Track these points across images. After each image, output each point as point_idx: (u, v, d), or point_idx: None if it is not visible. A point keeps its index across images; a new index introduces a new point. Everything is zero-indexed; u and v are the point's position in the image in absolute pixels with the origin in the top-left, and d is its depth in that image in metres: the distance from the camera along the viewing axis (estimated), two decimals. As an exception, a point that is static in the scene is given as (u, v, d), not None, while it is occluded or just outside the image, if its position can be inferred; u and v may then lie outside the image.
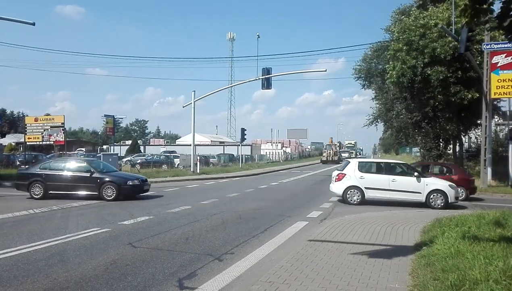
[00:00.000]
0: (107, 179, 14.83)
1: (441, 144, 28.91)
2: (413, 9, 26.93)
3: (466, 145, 33.57)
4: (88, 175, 14.88)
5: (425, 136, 27.51)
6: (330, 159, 59.00)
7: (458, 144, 29.11)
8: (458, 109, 24.86)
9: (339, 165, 52.74)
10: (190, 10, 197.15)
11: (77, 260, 6.57)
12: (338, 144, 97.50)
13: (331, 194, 17.00)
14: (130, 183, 14.95)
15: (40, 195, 14.74)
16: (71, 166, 15.42)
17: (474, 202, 15.67)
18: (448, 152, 30.19)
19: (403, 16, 26.69)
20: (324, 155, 61.77)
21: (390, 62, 24.28)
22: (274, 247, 7.61)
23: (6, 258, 6.65)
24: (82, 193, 14.89)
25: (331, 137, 68.75)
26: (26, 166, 23.08)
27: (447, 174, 16.41)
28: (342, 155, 72.24)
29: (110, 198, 14.41)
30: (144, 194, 15.60)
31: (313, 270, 5.78)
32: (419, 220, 9.98)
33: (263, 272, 5.75)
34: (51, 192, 14.92)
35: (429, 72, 22.63)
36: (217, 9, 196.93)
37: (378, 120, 35.98)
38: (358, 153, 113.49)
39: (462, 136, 29.58)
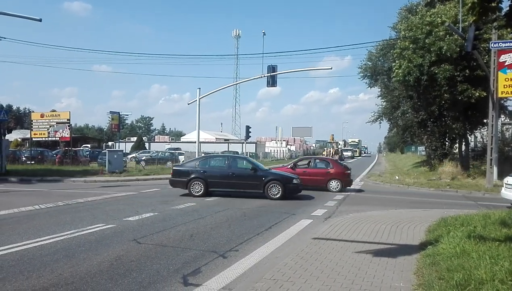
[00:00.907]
0: (271, 177, 14.38)
1: (446, 143, 28.77)
2: (420, 7, 26.73)
3: (472, 144, 33.36)
4: (252, 173, 14.50)
5: (430, 135, 27.38)
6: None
7: (464, 143, 28.93)
8: (464, 108, 24.70)
9: None
10: (196, 7, 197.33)
11: (82, 255, 6.61)
12: (342, 142, 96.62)
13: (335, 192, 17.01)
14: (295, 181, 14.53)
15: (200, 193, 14.42)
16: (233, 163, 15.13)
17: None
18: (454, 151, 30.04)
19: (409, 14, 26.54)
20: (323, 153, 57.82)
21: (396, 61, 24.14)
22: (279, 245, 7.61)
23: (12, 252, 6.69)
24: (246, 191, 14.59)
25: (332, 135, 65.39)
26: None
27: (326, 168, 18.11)
28: (344, 153, 69.56)
29: (276, 197, 14.00)
30: (299, 194, 14.95)
31: (318, 268, 5.78)
32: (424, 219, 9.93)
33: (267, 269, 5.75)
34: (211, 189, 14.59)
35: (435, 70, 22.48)
36: (223, 6, 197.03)
37: (383, 117, 35.86)
38: (362, 151, 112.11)
39: (468, 136, 29.38)
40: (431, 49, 22.51)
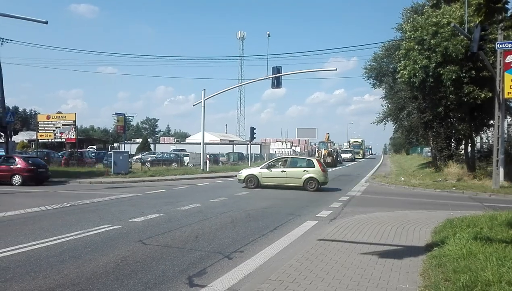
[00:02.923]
0: None
1: (452, 144, 28.63)
2: (425, 8, 26.60)
3: (478, 145, 33.17)
4: None
5: (436, 136, 27.24)
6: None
7: (470, 144, 28.76)
8: (470, 109, 24.54)
9: (336, 168, 40.50)
10: (201, 9, 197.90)
11: (88, 256, 6.64)
12: (347, 143, 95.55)
13: (340, 193, 16.98)
14: None
15: None
16: None
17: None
18: (460, 152, 29.87)
19: (415, 15, 26.41)
20: (316, 155, 46.59)
21: (402, 61, 24.03)
22: (284, 246, 7.61)
23: (19, 253, 6.74)
24: None
25: (328, 133, 54.98)
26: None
27: (10, 164, 19.91)
28: (343, 155, 62.43)
29: None
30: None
31: (323, 269, 5.76)
32: (430, 220, 9.88)
33: (272, 270, 5.75)
34: None
35: (441, 71, 22.37)
36: (227, 8, 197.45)
37: (388, 119, 35.72)
38: (366, 152, 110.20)
39: (474, 137, 29.21)
40: (437, 50, 22.37)
